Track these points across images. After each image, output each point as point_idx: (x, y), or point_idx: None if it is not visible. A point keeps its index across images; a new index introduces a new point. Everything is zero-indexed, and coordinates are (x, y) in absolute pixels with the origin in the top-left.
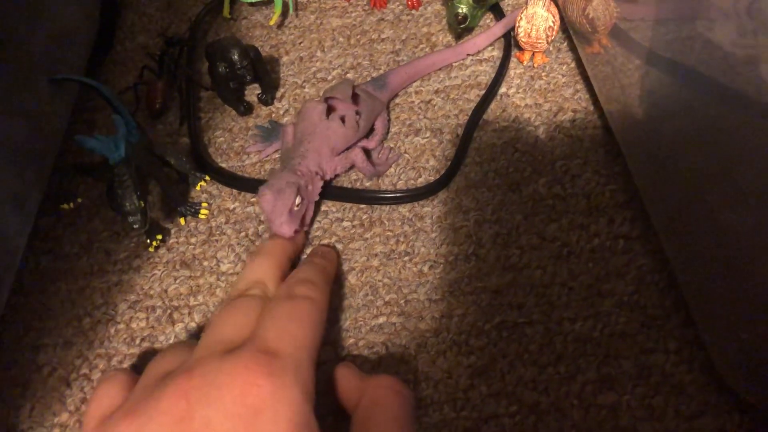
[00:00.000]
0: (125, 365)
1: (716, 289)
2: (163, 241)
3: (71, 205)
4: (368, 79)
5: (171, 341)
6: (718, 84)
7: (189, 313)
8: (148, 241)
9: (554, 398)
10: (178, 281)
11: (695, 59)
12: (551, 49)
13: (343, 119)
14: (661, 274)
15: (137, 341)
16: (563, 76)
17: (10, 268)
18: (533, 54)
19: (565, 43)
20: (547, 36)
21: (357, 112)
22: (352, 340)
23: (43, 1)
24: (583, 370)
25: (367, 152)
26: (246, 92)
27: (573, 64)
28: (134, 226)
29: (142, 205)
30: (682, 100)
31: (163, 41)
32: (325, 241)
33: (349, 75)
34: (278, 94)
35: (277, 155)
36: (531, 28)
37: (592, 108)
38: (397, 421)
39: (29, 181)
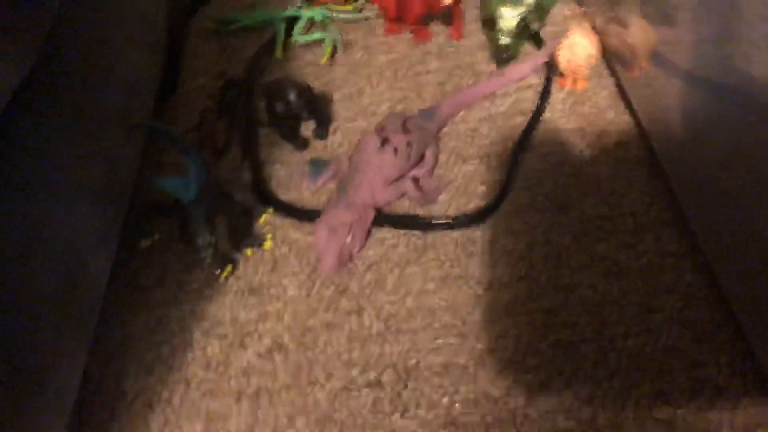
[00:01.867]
0: (203, 391)
1: (765, 303)
2: (232, 271)
3: (149, 241)
4: (416, 110)
5: (244, 365)
6: (760, 101)
7: (259, 338)
8: (218, 271)
9: (610, 413)
10: (247, 308)
11: (735, 78)
12: (591, 74)
13: (396, 150)
14: (710, 290)
15: (213, 366)
16: (605, 100)
17: (97, 301)
18: (575, 80)
19: (606, 69)
20: (588, 63)
21: (408, 143)
22: (413, 361)
23: (116, 52)
24: (638, 385)
25: (417, 181)
26: (302, 128)
27: (614, 89)
28: (206, 261)
29: (213, 240)
30: (723, 119)
31: (222, 82)
32: (383, 266)
33: (398, 108)
34: (332, 129)
35: (330, 185)
36: (572, 57)
37: (634, 130)
38: None
39: (110, 220)
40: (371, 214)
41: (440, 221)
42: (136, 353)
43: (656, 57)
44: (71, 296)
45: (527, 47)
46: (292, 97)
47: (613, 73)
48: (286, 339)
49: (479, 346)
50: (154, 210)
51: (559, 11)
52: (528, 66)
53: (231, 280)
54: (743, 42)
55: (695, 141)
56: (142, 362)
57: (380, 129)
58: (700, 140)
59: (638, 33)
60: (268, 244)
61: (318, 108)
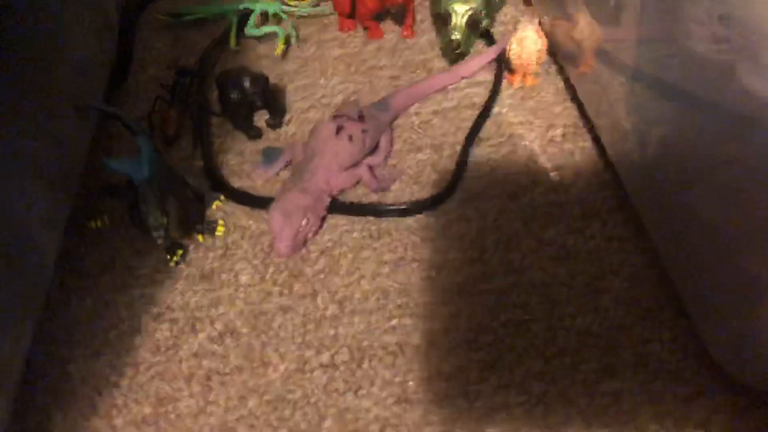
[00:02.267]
0: (152, 373)
1: (707, 281)
2: (183, 256)
3: (98, 223)
4: (370, 102)
5: (195, 349)
6: (697, 93)
7: (211, 323)
8: (169, 256)
9: (561, 387)
10: (198, 294)
11: (676, 72)
12: (540, 71)
13: (350, 137)
14: (654, 270)
15: (162, 350)
16: (552, 95)
17: (44, 283)
18: (524, 76)
19: (554, 66)
20: (537, 58)
21: (364, 131)
22: (367, 342)
23: (65, 35)
24: (586, 361)
25: (372, 169)
26: (255, 118)
27: (561, 84)
28: (158, 241)
29: (165, 221)
30: (665, 111)
31: (175, 72)
32: (336, 252)
33: (351, 99)
34: (285, 119)
35: (284, 174)
36: (522, 51)
37: (581, 123)
38: None
39: (59, 201)
40: (326, 200)
41: (394, 207)
42: (83, 338)
43: (602, 53)
44: (16, 279)
45: (478, 45)
46: (246, 84)
47: (561, 69)
48: (239, 323)
49: (432, 326)
50: (105, 192)
51: (509, 10)
52: (478, 62)
53: (182, 265)
54: (682, 39)
55: (638, 132)
56: (89, 347)
57: (336, 117)
58: (643, 131)
59: (584, 30)
60: (220, 230)
61: (272, 98)
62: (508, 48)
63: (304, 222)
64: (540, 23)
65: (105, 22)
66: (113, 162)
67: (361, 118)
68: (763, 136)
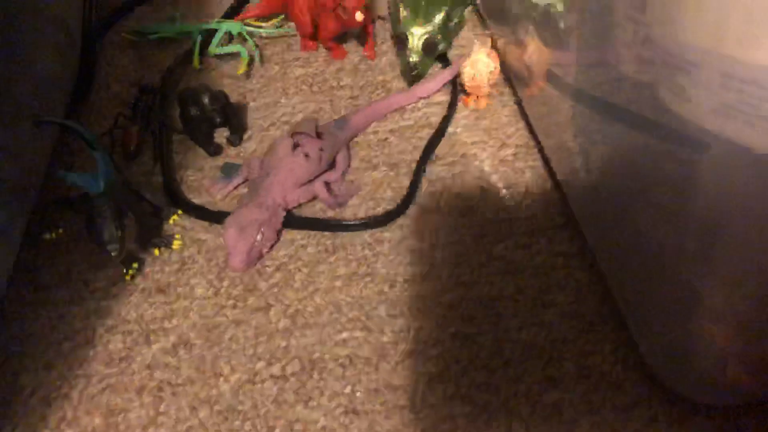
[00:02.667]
0: (103, 385)
1: (643, 296)
2: (138, 270)
3: (53, 235)
4: (330, 121)
5: (148, 361)
6: (632, 114)
7: (165, 335)
8: (125, 270)
9: (504, 398)
10: (153, 306)
11: (615, 95)
12: (494, 92)
13: (307, 154)
14: (597, 286)
15: (115, 361)
16: (506, 116)
17: None
18: (477, 97)
19: (507, 88)
20: (489, 80)
21: (321, 148)
22: (318, 354)
23: (26, 50)
24: (530, 372)
25: (328, 185)
26: (215, 135)
27: (514, 107)
28: (112, 254)
29: (120, 234)
30: (607, 131)
31: (137, 89)
32: (291, 266)
33: (315, 120)
34: (245, 136)
35: (241, 190)
36: (475, 73)
37: (532, 143)
38: None
39: (13, 214)
40: (281, 215)
41: (349, 222)
42: (36, 350)
43: (550, 76)
44: None
45: (436, 67)
46: (206, 100)
47: (514, 91)
48: (192, 335)
49: (383, 339)
50: (60, 203)
51: (466, 34)
52: (435, 83)
53: (138, 279)
54: (622, 63)
55: (583, 152)
56: (41, 359)
57: (293, 134)
58: (587, 151)
59: (534, 53)
60: (176, 244)
61: (232, 115)
62: (461, 70)
63: (258, 237)
64: (494, 46)
65: (67, 39)
66: (70, 175)
67: (318, 135)
68: (689, 155)
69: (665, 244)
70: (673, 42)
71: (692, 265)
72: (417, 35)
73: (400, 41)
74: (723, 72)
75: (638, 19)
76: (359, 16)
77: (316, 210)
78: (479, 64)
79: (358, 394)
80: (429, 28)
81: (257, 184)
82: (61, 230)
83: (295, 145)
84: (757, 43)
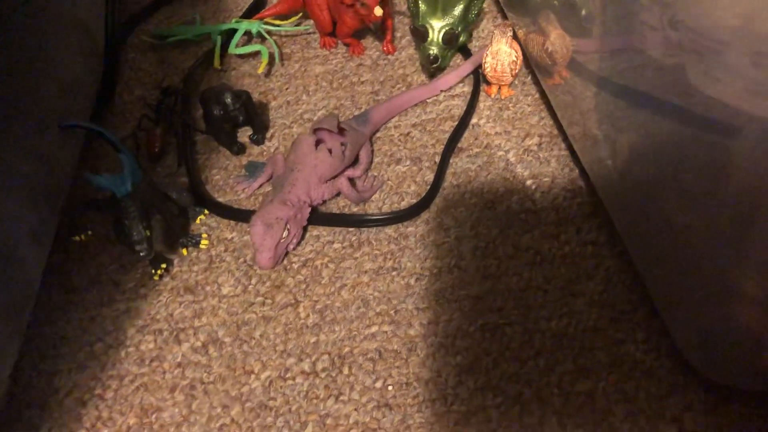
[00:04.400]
0: (136, 385)
1: (676, 282)
2: (167, 270)
3: (82, 237)
4: (351, 117)
5: (179, 360)
6: (661, 99)
7: (194, 333)
8: (153, 270)
9: (536, 389)
10: (182, 305)
11: (641, 81)
12: (516, 82)
13: (330, 150)
14: (627, 274)
15: (147, 361)
16: (528, 105)
17: (29, 297)
18: (500, 87)
19: (529, 77)
20: (512, 70)
21: (343, 144)
22: (347, 349)
23: (52, 56)
24: (561, 363)
25: (352, 181)
26: (239, 134)
27: (537, 95)
28: (141, 254)
29: (148, 234)
30: (633, 118)
31: (159, 91)
32: (318, 262)
33: (336, 115)
34: (268, 135)
35: (265, 188)
36: (497, 64)
37: (556, 132)
38: None
39: (45, 218)
40: (307, 211)
41: (374, 218)
42: (69, 352)
43: (573, 64)
44: (1, 294)
45: (456, 58)
46: (228, 100)
47: (536, 80)
48: (222, 333)
49: (411, 332)
50: (89, 206)
51: (486, 25)
52: (456, 75)
53: (166, 279)
54: (647, 50)
55: (609, 139)
56: (75, 360)
57: (315, 129)
58: (613, 138)
59: (556, 42)
60: (203, 244)
61: (254, 114)
62: (482, 61)
63: (284, 233)
64: (515, 35)
65: (91, 44)
66: (96, 177)
67: (340, 131)
68: (722, 140)
69: (696, 229)
70: (701, 22)
71: (725, 250)
72: (437, 28)
73: (420, 35)
74: (754, 50)
75: (664, 1)
76: (378, 11)
77: (341, 206)
78: (500, 54)
79: (389, 387)
80: (448, 20)
81: (281, 181)
82: (90, 232)
83: (318, 142)
84: None
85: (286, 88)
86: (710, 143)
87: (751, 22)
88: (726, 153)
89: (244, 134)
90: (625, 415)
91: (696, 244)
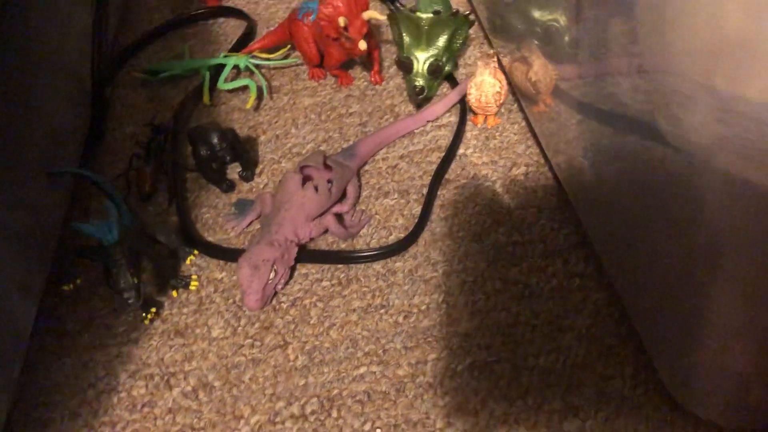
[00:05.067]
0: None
1: (659, 316)
2: (157, 313)
3: (71, 286)
4: (339, 150)
5: (170, 405)
6: (645, 130)
7: (185, 378)
8: (144, 314)
9: (524, 429)
10: (173, 349)
11: (624, 110)
12: (503, 110)
13: (316, 188)
14: (615, 307)
15: (138, 407)
16: (515, 134)
17: (19, 350)
18: (486, 117)
19: (515, 105)
20: (496, 100)
21: (329, 180)
22: (336, 391)
23: (39, 103)
24: (549, 401)
25: (340, 216)
26: (228, 171)
27: (523, 123)
28: (129, 302)
29: (136, 281)
30: (618, 148)
31: (149, 129)
32: (307, 301)
33: (321, 148)
34: (258, 170)
35: (255, 226)
36: (481, 95)
37: (542, 161)
38: None
39: (34, 268)
40: (294, 250)
41: (361, 254)
42: (62, 399)
43: (557, 93)
44: None
45: (444, 86)
46: (215, 140)
47: (522, 109)
48: (211, 377)
49: (399, 372)
50: (77, 254)
51: (472, 52)
52: (443, 105)
53: (157, 322)
54: (628, 78)
55: (594, 169)
56: (68, 407)
57: (302, 167)
58: (599, 168)
59: (540, 70)
60: (193, 285)
61: (243, 151)
62: (467, 92)
63: (272, 274)
64: (500, 64)
65: (80, 90)
66: (83, 226)
67: (327, 167)
68: (699, 178)
69: (678, 262)
70: (666, 72)
71: (707, 283)
72: (422, 60)
73: (405, 67)
74: (719, 106)
75: (632, 50)
76: (362, 45)
77: (330, 242)
78: (484, 85)
79: (377, 430)
80: (433, 51)
81: (269, 220)
82: (78, 280)
83: (305, 179)
84: (749, 81)
85: (275, 122)
86: (688, 174)
87: (713, 79)
88: (699, 188)
89: (234, 171)
90: None
91: (678, 276)
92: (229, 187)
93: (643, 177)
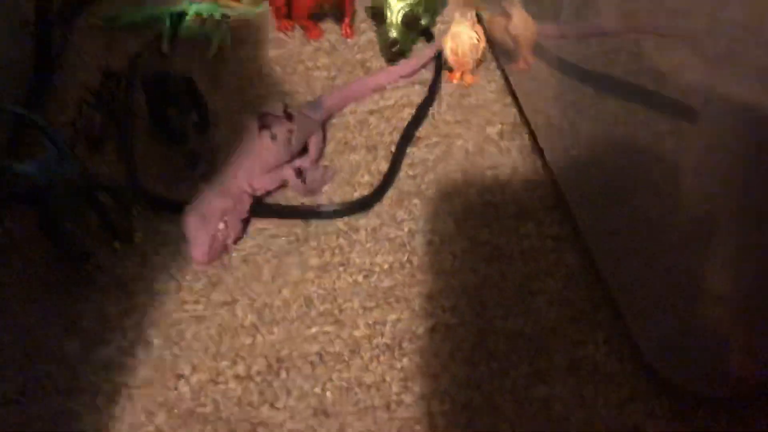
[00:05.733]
0: (57, 388)
1: (640, 281)
2: (97, 266)
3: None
4: (303, 102)
5: (103, 362)
6: (626, 88)
7: (122, 333)
8: (83, 266)
9: (487, 394)
10: (112, 303)
11: (607, 69)
12: (480, 69)
13: (274, 136)
14: (589, 271)
15: (70, 362)
16: (492, 92)
17: None
18: (462, 74)
19: (494, 64)
20: (473, 54)
21: (289, 130)
22: (286, 352)
23: None
24: (516, 366)
25: (300, 171)
26: (182, 121)
27: (501, 82)
28: (69, 249)
29: (76, 231)
30: (598, 106)
31: (101, 75)
32: (260, 258)
33: (285, 101)
34: (214, 122)
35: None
36: (457, 47)
37: (519, 121)
38: None
39: None
40: (248, 203)
41: (322, 210)
42: None
43: (537, 50)
44: None
45: (419, 45)
46: (170, 86)
47: (501, 67)
48: (151, 333)
49: (356, 333)
50: (10, 197)
51: (450, 8)
52: (417, 61)
53: (97, 275)
54: (613, 36)
55: (573, 128)
56: None
57: (260, 116)
58: (578, 127)
59: (520, 24)
60: (138, 238)
61: (199, 100)
62: (443, 44)
63: (221, 226)
64: (479, 19)
65: (21, 20)
66: (19, 165)
67: (287, 116)
68: (691, 130)
69: (660, 223)
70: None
71: (690, 245)
72: (395, 9)
73: (377, 15)
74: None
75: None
76: None
77: (288, 196)
78: (461, 36)
79: (328, 393)
80: (408, 0)
81: (222, 170)
82: (6, 225)
83: (262, 127)
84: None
85: (238, 73)
86: (672, 130)
87: None
88: (688, 140)
89: (189, 123)
90: (583, 422)
91: (660, 240)
92: (182, 137)
93: (625, 132)
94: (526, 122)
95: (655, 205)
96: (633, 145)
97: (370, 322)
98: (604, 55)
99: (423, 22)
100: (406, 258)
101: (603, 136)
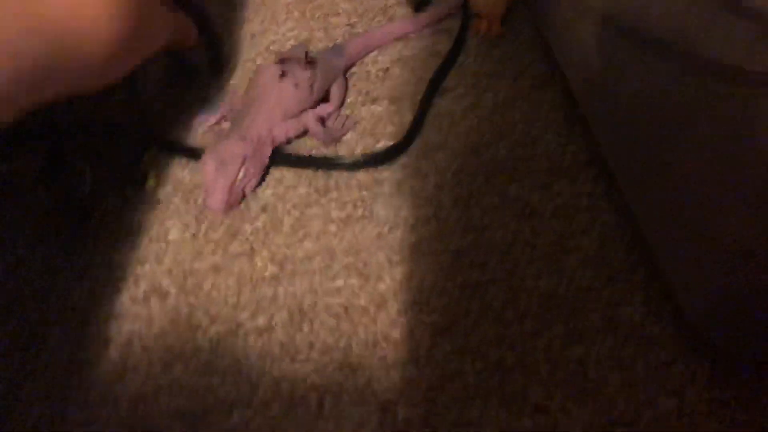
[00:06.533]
0: (66, 338)
1: (684, 241)
2: (109, 210)
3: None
4: (324, 49)
5: (115, 311)
6: (671, 40)
7: (135, 282)
8: (92, 210)
9: (520, 354)
10: (123, 251)
11: (648, 21)
12: (509, 18)
13: (296, 83)
14: (626, 230)
15: (78, 311)
16: (521, 44)
17: None
18: (491, 22)
19: (526, 11)
20: (501, 2)
21: (312, 76)
22: (308, 304)
23: None
24: (549, 326)
25: (322, 119)
26: (197, 63)
27: (531, 33)
28: (80, 192)
29: (89, 172)
30: (639, 61)
31: None
32: (279, 208)
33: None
34: (230, 67)
35: (224, 124)
36: None
37: (550, 73)
38: None
39: None
40: (268, 150)
41: (345, 160)
42: None
43: (576, 1)
44: None
45: None
46: None
47: (532, 17)
48: (166, 283)
49: (381, 287)
50: (18, 136)
51: None
52: (442, 9)
53: (107, 220)
54: None
55: (612, 82)
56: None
57: (281, 60)
58: (618, 83)
59: None
60: (151, 183)
61: (214, 42)
62: None
63: (241, 173)
64: None
65: None
66: None
67: (309, 62)
68: (739, 87)
69: (708, 184)
70: None
71: (739, 209)
72: None
73: None
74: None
75: None
76: None
77: (309, 146)
78: None
79: (353, 347)
80: None
81: (241, 116)
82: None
83: (283, 73)
84: None
85: (254, 17)
86: (729, 92)
87: None
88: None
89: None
90: (620, 385)
91: (707, 200)
92: (196, 80)
93: (674, 87)
94: (560, 74)
95: (703, 161)
96: (675, 98)
97: (397, 277)
98: (641, 5)
99: None
100: (432, 213)
101: (644, 89)
